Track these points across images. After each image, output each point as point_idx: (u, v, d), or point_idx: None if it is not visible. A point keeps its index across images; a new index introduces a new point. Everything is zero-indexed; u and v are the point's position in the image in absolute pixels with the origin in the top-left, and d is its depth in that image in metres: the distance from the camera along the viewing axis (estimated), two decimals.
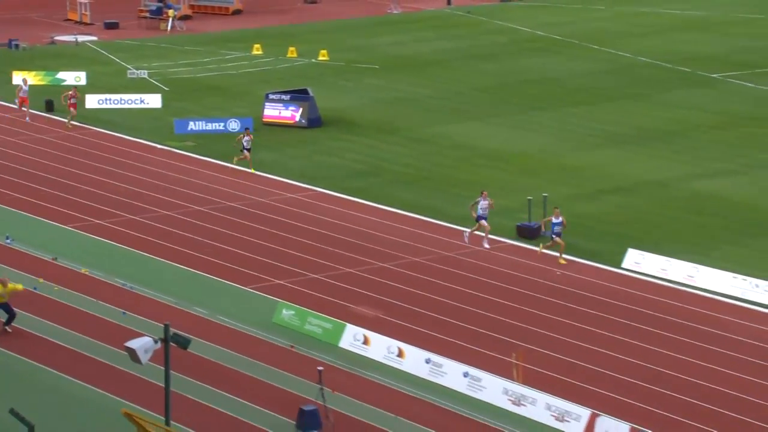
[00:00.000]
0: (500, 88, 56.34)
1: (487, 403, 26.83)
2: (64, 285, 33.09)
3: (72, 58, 62.51)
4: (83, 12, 72.91)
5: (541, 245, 35.39)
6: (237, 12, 76.33)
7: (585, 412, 25.72)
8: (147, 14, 72.80)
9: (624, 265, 34.76)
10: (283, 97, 50.38)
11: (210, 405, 26.67)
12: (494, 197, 40.86)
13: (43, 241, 36.72)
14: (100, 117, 50.62)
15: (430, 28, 71.01)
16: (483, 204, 35.95)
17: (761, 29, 68.60)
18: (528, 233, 37.07)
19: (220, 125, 49.14)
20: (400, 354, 28.69)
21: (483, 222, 36.01)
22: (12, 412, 21.13)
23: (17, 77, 56.24)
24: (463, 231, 36.43)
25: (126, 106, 52.52)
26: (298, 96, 50.42)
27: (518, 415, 26.34)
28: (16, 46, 64.76)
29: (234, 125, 49.10)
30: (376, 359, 28.90)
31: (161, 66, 60.39)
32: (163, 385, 22.18)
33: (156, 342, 21.34)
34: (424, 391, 27.39)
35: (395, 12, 76.03)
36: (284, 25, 72.32)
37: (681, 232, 37.87)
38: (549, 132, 49.33)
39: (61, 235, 37.43)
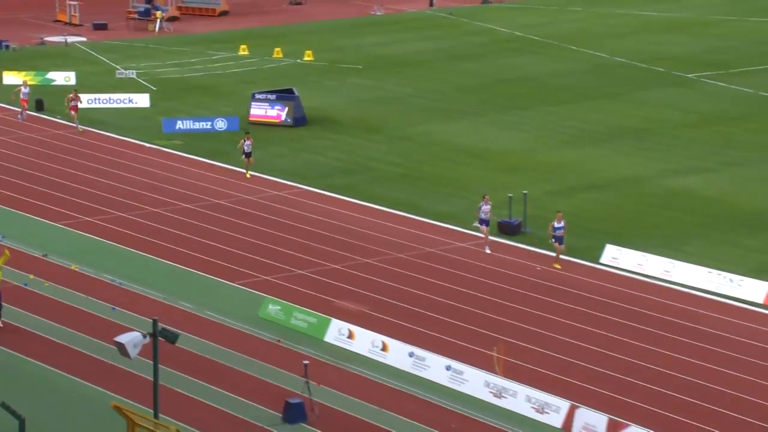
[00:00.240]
0: (481, 87, 56.32)
1: (469, 395, 26.82)
2: (54, 281, 32.93)
3: (61, 58, 62.21)
4: (72, 13, 72.56)
5: (554, 263, 34.23)
6: (223, 13, 76.11)
7: (564, 404, 25.73)
8: (135, 15, 72.52)
9: (602, 260, 34.78)
10: (269, 96, 50.26)
11: (198, 398, 26.58)
12: (475, 194, 40.82)
13: (33, 238, 36.53)
14: (90, 116, 50.35)
15: (413, 29, 70.95)
16: (485, 208, 35.10)
17: (733, 30, 68.80)
18: (509, 230, 37.04)
19: (207, 124, 48.99)
20: (384, 348, 28.66)
21: (483, 227, 35.18)
22: (3, 405, 21.02)
23: (8, 77, 55.93)
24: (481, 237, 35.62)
25: (115, 105, 52.28)
26: (284, 95, 50.31)
27: (499, 407, 26.34)
28: (6, 46, 64.41)
29: (221, 124, 48.95)
30: (360, 353, 28.85)
31: (149, 66, 60.16)
32: (152, 379, 22.10)
33: (145, 337, 21.26)
34: (408, 384, 27.36)
35: (378, 13, 75.94)
36: (270, 26, 72.15)
37: (656, 227, 37.92)
38: (528, 130, 49.35)
39: (51, 233, 37.24)
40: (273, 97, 50.19)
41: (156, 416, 22.26)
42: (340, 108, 52.51)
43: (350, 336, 29.32)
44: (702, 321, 31.09)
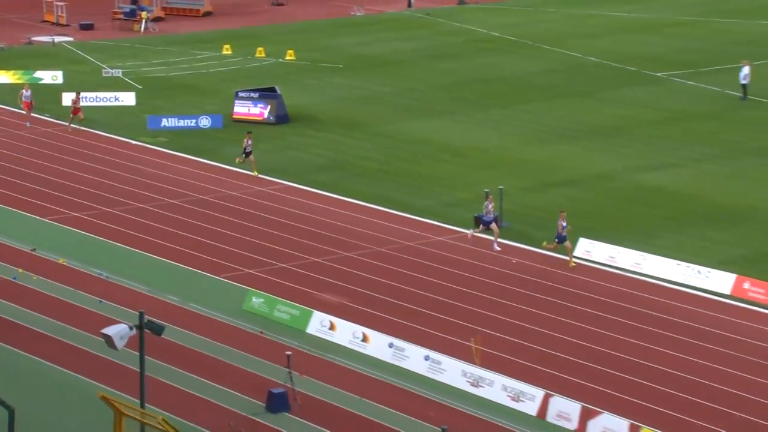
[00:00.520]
0: (457, 86, 56.35)
1: (447, 384, 26.86)
2: (42, 275, 32.79)
3: (49, 57, 61.87)
4: (59, 14, 72.15)
5: (570, 261, 33.85)
6: (207, 14, 75.84)
7: (539, 393, 25.81)
8: (121, 16, 72.17)
9: (575, 253, 34.87)
10: (252, 95, 50.15)
11: (183, 388, 26.53)
12: (452, 190, 40.99)
13: (22, 232, 36.37)
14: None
15: (392, 29, 70.90)
16: (489, 207, 34.75)
17: (701, 31, 69.07)
18: (485, 223, 37.02)
19: (191, 122, 48.85)
20: (365, 339, 28.66)
21: (486, 228, 34.72)
22: None
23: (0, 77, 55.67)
24: (467, 232, 35.38)
25: (101, 103, 52.02)
26: (267, 94, 50.21)
27: (476, 396, 26.39)
28: None
29: (205, 122, 48.82)
30: (341, 344, 28.85)
31: (135, 65, 59.91)
32: (138, 370, 22.05)
33: (131, 329, 21.20)
34: (388, 374, 27.38)
35: (358, 14, 75.85)
36: (252, 26, 71.95)
37: (627, 221, 38.05)
38: (503, 128, 49.42)
39: (39, 228, 37.07)
40: (256, 95, 50.08)
41: (142, 406, 22.21)
42: (322, 106, 52.44)
43: (332, 327, 29.31)
44: (671, 311, 31.24)
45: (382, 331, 28.85)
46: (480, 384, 26.53)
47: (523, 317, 30.61)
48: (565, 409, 25.26)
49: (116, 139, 47.40)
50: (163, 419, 20.72)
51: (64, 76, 56.60)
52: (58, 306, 30.82)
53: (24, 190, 40.57)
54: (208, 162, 44.13)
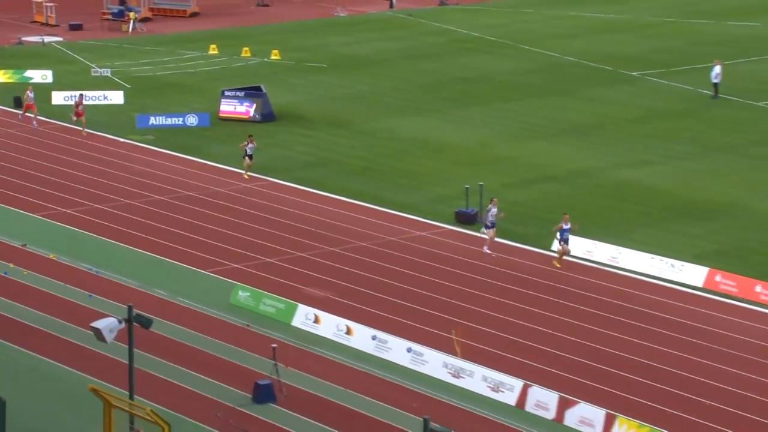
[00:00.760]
0: (439, 85, 56.36)
1: (429, 375, 26.90)
2: (33, 270, 32.67)
3: (39, 57, 61.59)
4: (49, 14, 71.81)
5: (554, 260, 33.44)
6: (194, 14, 75.62)
7: (518, 383, 25.87)
8: (109, 16, 71.87)
9: (553, 247, 34.94)
10: (238, 93, 50.06)
11: (171, 380, 26.48)
12: (434, 186, 40.97)
13: (13, 228, 36.21)
14: (66, 113, 49.90)
15: (374, 29, 70.85)
16: (493, 211, 34.34)
17: (674, 31, 69.29)
18: (466, 219, 37.15)
19: (179, 120, 48.72)
20: (349, 332, 28.67)
21: (489, 230, 34.27)
22: None
23: None
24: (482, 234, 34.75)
25: (90, 102, 51.75)
26: (252, 93, 50.13)
27: (457, 386, 26.44)
28: None
29: (192, 120, 48.71)
30: (326, 337, 28.85)
31: (123, 65, 59.70)
32: (127, 362, 21.99)
33: (120, 322, 21.15)
34: (371, 366, 27.40)
35: (342, 14, 75.77)
36: (238, 26, 71.77)
37: (604, 217, 38.16)
38: (483, 125, 49.47)
39: (30, 223, 36.92)
40: (242, 94, 50.00)
41: (131, 398, 22.16)
42: (307, 105, 52.38)
43: (316, 321, 29.30)
44: (646, 303, 31.36)
45: (365, 324, 28.87)
46: (461, 375, 26.58)
47: (502, 309, 30.67)
48: (543, 398, 25.34)
49: (105, 137, 47.22)
50: (151, 410, 20.69)
51: (54, 76, 56.37)
52: (48, 300, 30.71)
53: (14, 187, 40.40)
54: (195, 159, 44.03)
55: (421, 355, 27.37)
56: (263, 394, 25.46)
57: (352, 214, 38.17)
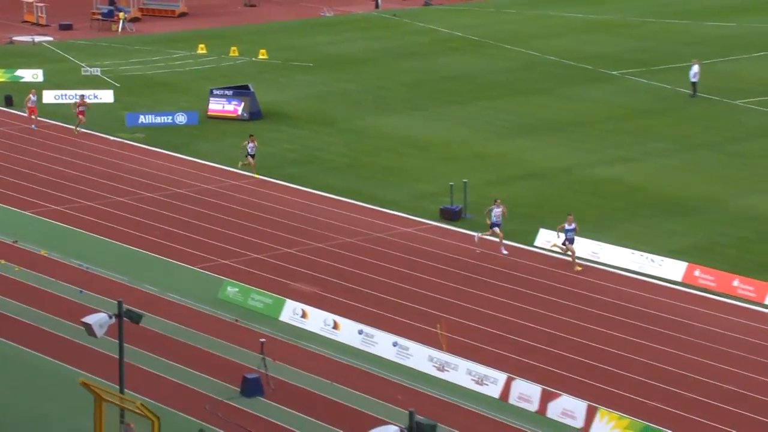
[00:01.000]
0: (422, 83, 56.30)
1: (414, 369, 26.85)
2: (24, 266, 32.48)
3: (30, 57, 61.26)
4: (39, 14, 71.44)
5: (560, 249, 32.96)
6: (183, 15, 75.35)
7: (502, 376, 25.85)
8: (99, 17, 71.54)
9: (536, 243, 34.95)
10: (227, 92, 49.90)
11: (161, 374, 26.37)
12: (418, 183, 40.92)
13: (4, 225, 36.01)
14: (57, 111, 49.66)
15: (360, 29, 70.74)
16: (496, 211, 33.94)
17: (652, 31, 69.41)
18: (450, 215, 37.11)
19: (168, 118, 48.53)
20: (336, 326, 28.60)
21: (496, 229, 33.93)
22: None
23: None
24: (474, 234, 34.50)
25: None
26: (240, 91, 49.98)
27: (442, 379, 26.40)
28: None
29: (181, 118, 48.53)
30: (313, 331, 28.78)
31: (113, 64, 59.43)
32: (117, 357, 21.87)
33: (110, 317, 21.02)
34: (358, 360, 27.34)
35: (328, 14, 75.61)
36: (226, 26, 71.55)
37: (584, 213, 38.13)
38: (466, 123, 49.43)
39: (21, 220, 36.71)
40: (230, 92, 49.84)
41: (121, 391, 22.04)
42: (293, 103, 52.25)
43: (304, 315, 29.22)
44: (626, 298, 31.39)
45: (352, 319, 28.80)
46: (445, 368, 26.54)
47: (487, 304, 30.64)
48: (526, 391, 25.32)
49: (95, 135, 46.99)
50: (141, 404, 20.58)
51: (45, 75, 56.10)
52: (39, 296, 30.54)
53: (5, 184, 40.17)
54: (184, 157, 43.87)
55: (406, 349, 27.32)
56: (251, 387, 25.37)
57: (339, 210, 38.08)
